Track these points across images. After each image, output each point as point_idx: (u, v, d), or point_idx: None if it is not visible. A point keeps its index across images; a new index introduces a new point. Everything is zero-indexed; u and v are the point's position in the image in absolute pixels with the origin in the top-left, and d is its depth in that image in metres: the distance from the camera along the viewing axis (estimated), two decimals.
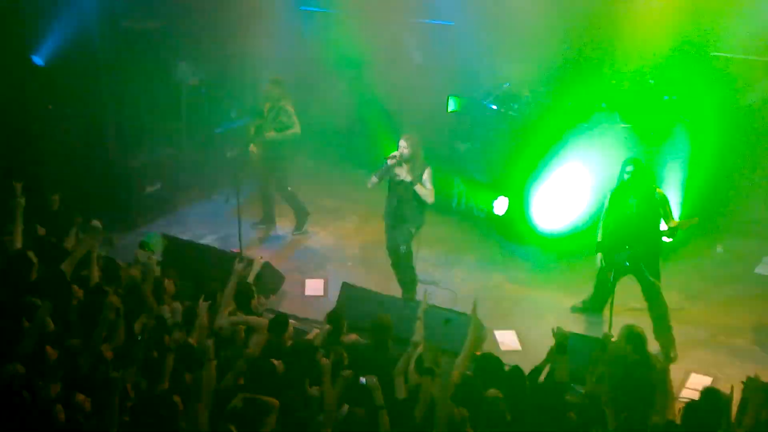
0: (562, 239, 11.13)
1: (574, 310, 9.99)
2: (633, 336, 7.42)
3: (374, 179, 9.58)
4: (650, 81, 11.45)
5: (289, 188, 11.82)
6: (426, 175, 9.57)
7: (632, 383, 7.04)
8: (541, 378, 7.20)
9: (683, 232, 9.20)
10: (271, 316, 8.35)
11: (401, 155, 9.48)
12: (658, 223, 9.01)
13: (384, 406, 6.25)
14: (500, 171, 11.70)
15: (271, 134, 11.35)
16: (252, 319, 8.00)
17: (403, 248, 9.82)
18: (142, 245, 9.44)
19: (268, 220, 12.03)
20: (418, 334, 7.47)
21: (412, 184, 9.48)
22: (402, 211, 9.69)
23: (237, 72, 13.83)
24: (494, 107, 12.13)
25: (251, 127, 11.53)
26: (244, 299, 8.29)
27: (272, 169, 11.67)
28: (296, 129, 11.45)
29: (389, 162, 9.50)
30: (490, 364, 7.12)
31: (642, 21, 11.38)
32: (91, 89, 11.85)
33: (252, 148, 11.45)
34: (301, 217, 11.96)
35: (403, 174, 9.49)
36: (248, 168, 11.61)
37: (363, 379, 6.47)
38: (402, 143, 9.51)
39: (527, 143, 11.33)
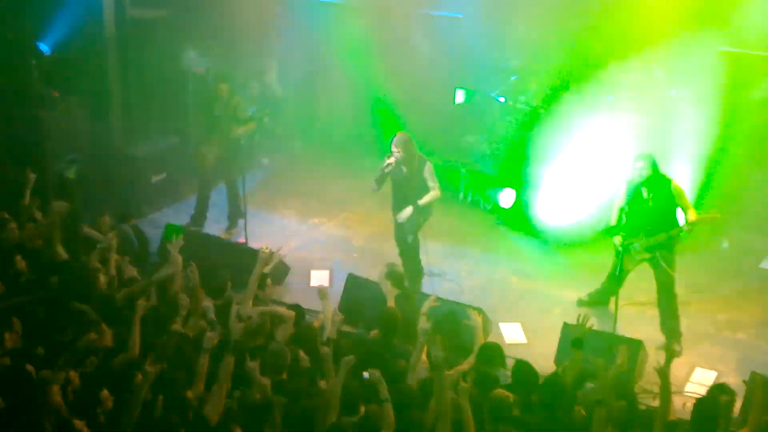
0: (569, 232, 11.13)
1: (580, 303, 9.97)
2: None
3: (374, 186, 9.68)
4: (658, 75, 11.42)
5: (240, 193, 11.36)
6: (427, 172, 9.61)
7: None
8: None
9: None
10: (279, 307, 8.37)
11: (396, 160, 9.52)
12: (675, 214, 9.01)
13: (389, 399, 6.25)
14: (507, 163, 11.69)
15: (239, 131, 11.14)
16: (281, 309, 8.00)
17: (410, 238, 9.85)
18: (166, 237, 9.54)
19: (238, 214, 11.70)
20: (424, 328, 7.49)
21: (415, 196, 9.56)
22: (407, 206, 9.71)
23: (244, 60, 13.81)
24: (502, 99, 12.13)
25: (201, 129, 11.37)
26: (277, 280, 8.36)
27: (231, 168, 11.37)
28: (255, 123, 11.39)
29: (385, 170, 9.55)
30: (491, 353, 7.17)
31: (650, 14, 11.36)
32: (97, 77, 11.83)
33: (205, 150, 11.27)
34: (233, 219, 11.63)
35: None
36: (203, 170, 11.45)
37: (366, 374, 6.48)
38: (393, 147, 9.54)
39: (534, 135, 11.32)
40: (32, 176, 9.30)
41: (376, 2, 12.90)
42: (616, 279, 9.21)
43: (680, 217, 9.03)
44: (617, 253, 9.20)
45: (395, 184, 9.78)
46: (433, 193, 9.66)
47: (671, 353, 7.12)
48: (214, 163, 11.35)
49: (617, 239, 9.16)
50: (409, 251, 9.99)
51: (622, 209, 9.17)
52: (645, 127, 11.03)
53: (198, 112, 11.49)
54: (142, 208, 11.95)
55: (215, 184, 11.65)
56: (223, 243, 10.74)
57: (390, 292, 8.47)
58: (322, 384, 6.61)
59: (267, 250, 9.71)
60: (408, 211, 9.66)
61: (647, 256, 9.14)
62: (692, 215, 8.91)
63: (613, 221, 9.24)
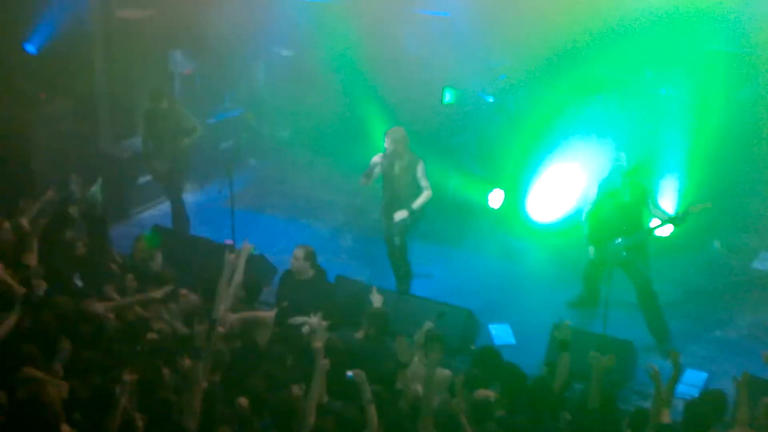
0: (558, 232, 11.08)
1: (570, 305, 9.92)
2: None
3: (363, 180, 9.55)
4: (647, 74, 11.39)
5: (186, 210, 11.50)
6: (419, 172, 9.50)
7: None
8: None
9: (681, 226, 9.09)
10: (266, 308, 8.30)
11: (385, 152, 9.41)
12: (647, 213, 8.96)
13: (372, 401, 6.18)
14: (496, 163, 11.64)
15: (186, 141, 11.07)
16: (260, 313, 7.90)
17: (397, 240, 9.76)
18: (142, 239, 9.43)
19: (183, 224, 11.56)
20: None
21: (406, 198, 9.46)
22: (397, 205, 9.61)
23: (232, 60, 13.75)
24: (491, 100, 12.08)
25: (149, 143, 11.26)
26: (252, 294, 8.25)
27: (177, 178, 11.36)
28: (199, 127, 11.28)
29: (371, 163, 9.49)
30: (489, 358, 7.11)
31: (638, 13, 11.33)
32: (84, 78, 11.76)
33: (157, 164, 11.17)
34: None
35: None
36: (157, 182, 11.44)
37: (350, 373, 6.40)
38: (387, 140, 9.44)
39: (522, 135, 11.28)
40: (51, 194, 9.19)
41: (365, 2, 12.84)
42: (595, 281, 9.23)
43: (654, 218, 9.00)
44: (589, 263, 9.29)
45: (386, 181, 9.65)
46: (425, 194, 9.54)
47: (676, 364, 7.01)
48: (166, 176, 11.29)
49: (591, 250, 9.13)
50: (398, 252, 9.91)
51: (591, 213, 9.14)
52: (635, 126, 10.99)
53: (145, 126, 11.37)
54: (129, 209, 11.89)
55: (178, 192, 11.55)
56: (210, 244, 10.64)
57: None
58: (295, 389, 6.46)
59: (254, 251, 9.75)
60: (403, 213, 9.53)
61: (621, 257, 9.05)
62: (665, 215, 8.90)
63: (585, 225, 9.23)
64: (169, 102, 11.15)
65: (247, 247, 8.36)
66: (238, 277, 8.04)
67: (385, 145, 9.44)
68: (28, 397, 5.81)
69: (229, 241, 10.59)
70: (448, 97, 12.66)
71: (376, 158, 9.50)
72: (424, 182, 9.51)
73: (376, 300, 8.28)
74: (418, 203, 9.53)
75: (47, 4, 11.51)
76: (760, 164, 11.31)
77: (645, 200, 8.99)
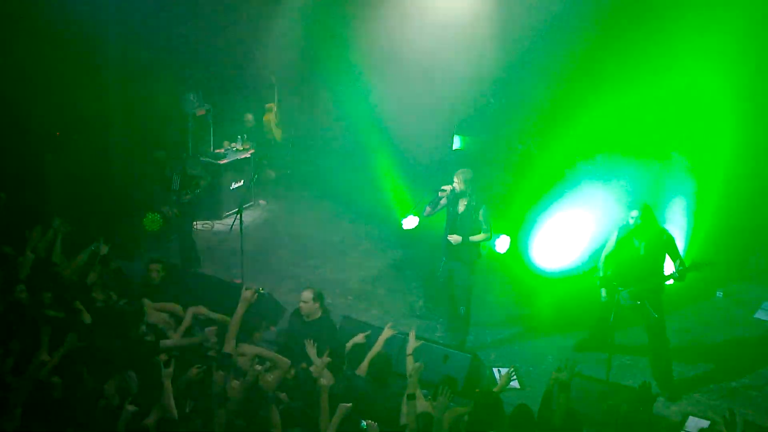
0: (564, 277, 11.19)
1: (576, 349, 9.99)
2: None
3: (427, 209, 9.76)
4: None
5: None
6: (483, 215, 9.67)
7: None
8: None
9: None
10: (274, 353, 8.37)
11: (452, 190, 9.62)
12: (663, 262, 9.07)
13: None
14: (503, 209, 11.78)
15: (190, 194, 11.35)
16: (276, 356, 7.94)
17: (463, 279, 9.90)
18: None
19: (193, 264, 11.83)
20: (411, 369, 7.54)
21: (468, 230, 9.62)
22: (457, 246, 9.76)
23: (244, 102, 14.03)
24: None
25: (156, 189, 11.48)
26: (250, 331, 8.32)
27: (185, 223, 11.63)
28: (207, 178, 11.56)
29: (440, 194, 9.67)
30: (489, 403, 7.15)
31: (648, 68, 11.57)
32: (100, 118, 11.95)
33: (166, 210, 11.36)
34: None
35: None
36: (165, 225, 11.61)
37: (364, 423, 6.49)
38: (456, 179, 9.66)
39: (530, 180, 11.44)
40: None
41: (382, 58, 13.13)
42: (606, 326, 9.23)
43: (668, 266, 9.08)
44: (601, 305, 9.34)
45: (449, 218, 9.83)
46: (485, 235, 9.72)
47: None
48: (175, 220, 11.51)
49: (603, 291, 9.24)
50: (462, 293, 10.03)
51: (609, 256, 9.25)
52: (640, 176, 11.15)
53: (153, 174, 11.62)
54: (141, 249, 12.00)
55: (188, 232, 11.77)
56: (220, 283, 10.74)
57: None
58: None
59: (262, 290, 9.86)
60: (458, 237, 9.66)
61: (636, 303, 9.15)
62: (682, 265, 8.97)
63: (601, 268, 9.31)
64: (170, 155, 11.41)
65: (248, 295, 8.39)
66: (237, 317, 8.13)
67: (454, 184, 9.66)
68: None
69: (237, 280, 10.71)
70: (457, 143, 12.87)
71: (444, 191, 9.68)
72: (485, 226, 9.72)
73: (379, 340, 8.33)
74: (475, 238, 9.70)
75: None
76: (763, 216, 11.48)
77: (666, 249, 9.04)
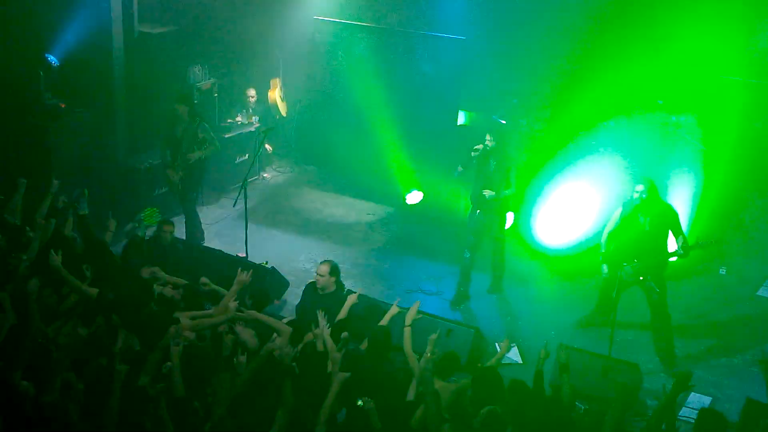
0: (567, 254, 11.20)
1: (578, 325, 10.02)
2: None
3: (460, 168, 9.99)
4: (659, 101, 11.52)
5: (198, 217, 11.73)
6: (512, 173, 9.98)
7: None
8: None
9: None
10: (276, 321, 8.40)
11: (485, 146, 9.79)
12: (667, 238, 9.07)
13: (380, 428, 6.30)
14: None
15: (197, 153, 11.25)
16: (279, 324, 7.96)
17: (497, 231, 10.34)
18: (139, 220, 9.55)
19: (197, 236, 11.78)
20: (407, 344, 7.57)
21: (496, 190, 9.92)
22: (491, 200, 10.00)
23: (249, 76, 13.99)
24: (503, 122, 12.23)
25: (166, 151, 11.40)
26: (260, 304, 8.35)
27: (189, 190, 11.52)
28: (216, 144, 11.46)
29: (472, 153, 9.84)
30: (489, 378, 7.19)
31: (651, 42, 11.50)
32: (104, 90, 11.94)
33: (170, 172, 11.35)
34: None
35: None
36: (174, 192, 11.60)
37: (360, 401, 6.52)
38: (488, 136, 9.83)
39: (534, 158, 11.43)
40: (56, 182, 9.28)
41: (380, 24, 13.04)
42: (610, 301, 9.25)
43: (671, 243, 9.08)
44: (603, 281, 9.39)
45: (479, 175, 10.03)
46: (513, 191, 10.04)
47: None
48: (178, 186, 11.45)
49: (605, 267, 9.25)
50: (499, 246, 10.51)
51: (612, 232, 9.25)
52: (645, 152, 11.13)
53: (162, 133, 11.54)
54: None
55: (191, 204, 11.70)
56: (223, 257, 10.77)
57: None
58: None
59: (266, 264, 9.88)
60: (492, 192, 9.90)
61: (638, 279, 9.17)
62: (685, 242, 8.97)
63: (603, 244, 9.31)
64: (190, 112, 11.31)
65: (243, 277, 8.23)
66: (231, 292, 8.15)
67: (486, 141, 9.80)
68: None
69: (241, 254, 10.74)
70: (462, 118, 12.84)
71: (476, 150, 9.83)
72: (513, 182, 9.96)
73: (386, 316, 8.36)
74: (505, 193, 9.98)
75: (71, 15, 11.68)
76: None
77: (669, 226, 9.06)
